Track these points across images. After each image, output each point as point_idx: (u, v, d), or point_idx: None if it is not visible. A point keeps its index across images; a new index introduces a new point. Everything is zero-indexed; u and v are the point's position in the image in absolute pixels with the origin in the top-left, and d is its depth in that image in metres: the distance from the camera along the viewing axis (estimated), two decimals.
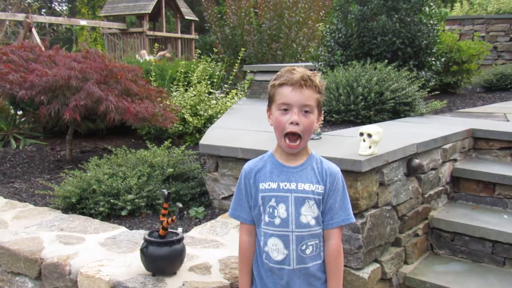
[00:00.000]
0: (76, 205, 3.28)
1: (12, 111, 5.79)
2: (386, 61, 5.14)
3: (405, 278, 3.24)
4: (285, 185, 1.93)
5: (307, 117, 1.87)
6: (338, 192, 1.94)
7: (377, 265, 3.03)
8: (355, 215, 2.81)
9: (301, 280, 1.96)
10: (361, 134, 2.88)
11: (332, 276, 1.96)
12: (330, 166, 1.97)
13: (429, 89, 5.40)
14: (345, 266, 2.91)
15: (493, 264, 3.34)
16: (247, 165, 2.04)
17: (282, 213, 1.93)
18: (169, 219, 2.16)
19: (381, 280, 3.08)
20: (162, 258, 2.18)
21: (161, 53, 10.35)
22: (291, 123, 1.86)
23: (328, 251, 1.95)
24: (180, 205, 2.17)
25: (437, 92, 5.89)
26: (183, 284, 2.15)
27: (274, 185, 1.95)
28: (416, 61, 5.51)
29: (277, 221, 1.93)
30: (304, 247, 1.93)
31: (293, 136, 1.88)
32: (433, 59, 5.72)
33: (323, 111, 3.61)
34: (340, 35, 5.81)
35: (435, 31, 5.67)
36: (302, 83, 1.85)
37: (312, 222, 1.93)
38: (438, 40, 5.84)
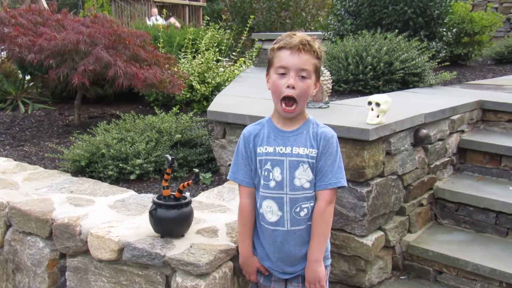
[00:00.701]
0: (85, 169, 3.33)
1: (21, 76, 5.80)
2: (396, 31, 5.08)
3: (408, 246, 3.29)
4: (281, 149, 1.99)
5: (304, 81, 1.90)
6: (329, 156, 1.97)
7: (381, 233, 3.08)
8: (361, 183, 2.87)
9: (295, 242, 2.02)
10: (370, 103, 2.88)
11: (312, 237, 2.01)
12: (325, 130, 2.00)
13: (439, 60, 5.35)
14: (349, 233, 2.96)
15: (496, 234, 3.38)
16: (246, 130, 2.09)
17: (277, 176, 1.98)
18: (185, 183, 2.19)
19: (384, 248, 3.13)
20: (171, 220, 2.22)
21: (171, 20, 10.23)
22: (288, 86, 1.89)
23: (314, 211, 2.00)
24: (197, 170, 2.22)
25: (447, 64, 5.83)
26: (191, 246, 2.20)
27: (270, 149, 2.00)
28: (427, 31, 5.45)
29: (272, 184, 1.99)
30: (298, 209, 1.99)
31: (289, 100, 1.91)
32: (444, 29, 5.65)
33: (331, 80, 3.61)
34: (350, 3, 5.73)
35: (448, 0, 5.57)
36: (300, 47, 1.87)
37: (307, 185, 1.98)
38: (450, 10, 5.76)
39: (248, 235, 2.11)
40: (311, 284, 2.03)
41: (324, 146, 1.97)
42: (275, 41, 1.95)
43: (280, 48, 1.91)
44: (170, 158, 2.19)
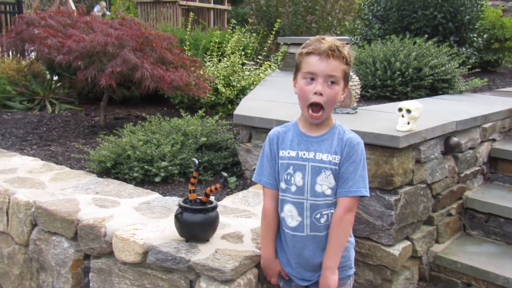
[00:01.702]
0: (111, 170, 3.34)
1: (48, 76, 5.88)
2: (425, 36, 4.98)
3: (435, 257, 3.20)
4: (304, 154, 1.95)
5: (332, 88, 1.86)
6: (352, 163, 1.92)
7: (408, 242, 3.01)
8: (389, 191, 2.81)
9: (314, 248, 1.99)
10: (400, 109, 2.81)
11: (328, 244, 1.96)
12: (351, 136, 1.95)
13: (469, 67, 5.23)
14: (375, 242, 2.90)
15: None
16: (271, 131, 2.07)
17: (299, 181, 1.95)
18: (213, 187, 2.16)
19: (411, 258, 3.06)
20: (196, 225, 2.19)
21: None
22: (315, 93, 1.85)
23: (332, 218, 1.95)
24: (225, 174, 2.18)
25: (477, 70, 5.70)
26: (216, 251, 2.17)
27: (293, 153, 1.97)
28: (457, 37, 5.33)
29: (293, 188, 1.96)
30: (318, 215, 1.96)
31: (316, 106, 1.87)
32: (475, 35, 5.52)
33: (359, 86, 3.55)
34: (378, 8, 5.65)
35: (479, 5, 5.45)
36: (329, 53, 1.83)
37: (328, 192, 1.94)
38: (481, 16, 5.63)
39: (270, 237, 2.09)
40: None
41: (348, 152, 1.92)
42: (303, 45, 1.91)
43: (308, 53, 1.87)
44: (197, 161, 2.17)
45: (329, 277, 1.96)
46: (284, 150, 1.99)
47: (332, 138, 1.94)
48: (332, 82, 1.85)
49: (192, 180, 2.21)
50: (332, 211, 1.96)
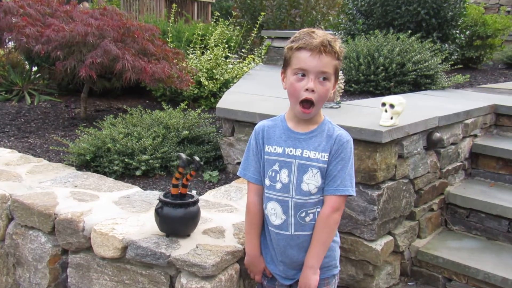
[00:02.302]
0: (90, 163, 3.27)
1: (28, 67, 5.75)
2: (409, 31, 4.99)
3: (417, 252, 3.21)
4: (290, 151, 1.90)
5: (323, 84, 1.81)
6: (341, 161, 1.88)
7: (391, 237, 3.01)
8: (372, 186, 2.80)
9: (299, 247, 1.94)
10: (383, 104, 2.80)
11: (312, 242, 1.92)
12: (340, 133, 1.91)
13: (451, 63, 5.26)
14: (358, 237, 2.89)
15: (508, 243, 3.30)
16: (258, 125, 2.01)
17: (284, 179, 1.90)
18: (188, 175, 2.12)
19: (393, 253, 3.06)
20: (177, 220, 2.15)
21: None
22: (307, 89, 1.79)
23: (318, 217, 1.91)
24: (197, 158, 2.12)
25: (460, 66, 5.74)
26: (197, 247, 2.13)
27: (279, 150, 1.92)
28: (440, 33, 5.36)
29: (278, 185, 1.91)
30: (303, 214, 1.91)
31: (307, 103, 1.82)
32: (457, 31, 5.56)
33: (343, 80, 3.53)
34: (363, 3, 5.65)
35: (462, 2, 5.49)
36: (321, 48, 1.76)
37: (314, 190, 1.89)
38: (464, 12, 5.66)
39: (255, 233, 2.04)
40: None
41: (337, 150, 1.88)
42: (292, 39, 1.84)
43: (299, 49, 1.79)
44: (184, 158, 2.10)
45: (310, 277, 1.92)
46: (270, 146, 1.94)
47: (321, 136, 1.90)
48: (324, 79, 1.80)
49: (177, 175, 2.15)
50: (318, 210, 1.91)
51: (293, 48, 1.82)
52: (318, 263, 1.93)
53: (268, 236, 2.02)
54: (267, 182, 1.94)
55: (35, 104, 5.13)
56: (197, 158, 2.12)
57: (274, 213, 1.94)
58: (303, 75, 1.80)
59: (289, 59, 1.85)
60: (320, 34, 1.79)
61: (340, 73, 3.43)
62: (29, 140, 3.92)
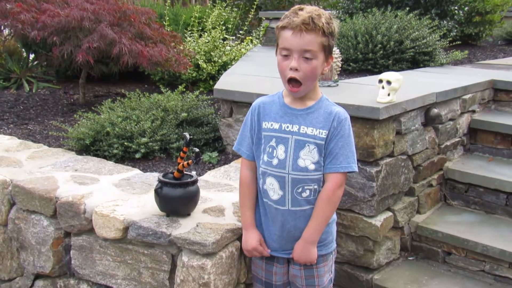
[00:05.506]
0: (90, 147, 3.29)
1: (25, 54, 5.74)
2: (407, 8, 4.96)
3: (417, 227, 3.24)
4: (287, 127, 1.92)
5: (309, 63, 1.80)
6: (341, 138, 1.90)
7: (390, 213, 3.03)
8: (370, 163, 2.81)
9: (296, 222, 1.97)
10: (380, 81, 2.80)
11: (313, 216, 1.95)
12: (338, 111, 1.92)
13: (450, 39, 5.24)
14: (358, 213, 2.92)
15: (507, 216, 3.33)
16: (255, 102, 2.03)
17: (281, 154, 1.92)
18: (185, 163, 2.13)
19: (393, 229, 3.09)
20: (176, 199, 2.17)
21: None
22: (290, 69, 1.80)
23: (321, 192, 1.94)
24: (197, 149, 2.15)
25: (458, 43, 5.71)
26: (197, 225, 2.16)
27: (276, 126, 1.93)
28: (438, 9, 5.33)
29: (275, 161, 1.94)
30: (300, 190, 1.93)
31: (295, 82, 1.83)
32: (456, 8, 5.52)
33: (340, 59, 3.53)
34: None
35: None
36: (302, 27, 1.76)
37: (311, 166, 1.91)
38: None
39: (248, 206, 2.06)
40: (302, 266, 2.00)
41: (336, 127, 1.89)
42: (281, 18, 1.86)
43: (283, 28, 1.81)
44: (188, 136, 2.11)
45: (311, 251, 1.96)
46: (267, 122, 1.96)
47: (319, 112, 1.91)
48: (308, 57, 1.80)
49: (181, 154, 2.15)
50: (315, 186, 1.94)
51: (279, 27, 1.84)
52: (318, 237, 1.97)
53: (266, 211, 2.04)
54: (265, 157, 1.97)
55: (34, 91, 5.13)
56: (196, 149, 2.15)
57: (272, 188, 1.97)
58: (287, 55, 1.81)
59: (277, 39, 1.87)
60: (306, 11, 1.78)
61: (338, 51, 3.43)
62: (28, 127, 3.93)
